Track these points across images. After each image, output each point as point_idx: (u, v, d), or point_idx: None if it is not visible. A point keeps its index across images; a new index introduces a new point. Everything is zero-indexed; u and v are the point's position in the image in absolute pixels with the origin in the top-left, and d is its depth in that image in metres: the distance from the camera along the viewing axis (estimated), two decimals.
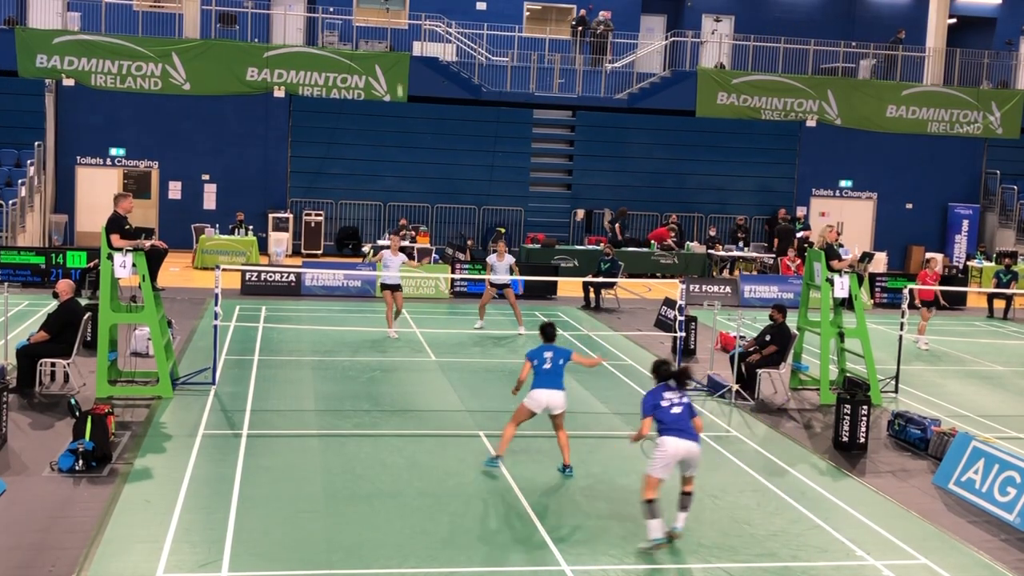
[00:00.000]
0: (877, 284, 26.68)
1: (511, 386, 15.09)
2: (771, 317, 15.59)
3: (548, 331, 11.65)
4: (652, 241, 30.16)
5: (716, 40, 35.92)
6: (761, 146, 33.80)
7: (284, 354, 17.41)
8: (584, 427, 13.55)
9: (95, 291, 18.80)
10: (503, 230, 31.67)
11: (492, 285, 20.39)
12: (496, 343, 19.16)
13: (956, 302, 26.42)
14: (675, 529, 9.52)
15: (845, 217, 34.02)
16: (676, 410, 9.57)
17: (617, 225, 31.44)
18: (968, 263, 31.19)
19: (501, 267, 20.17)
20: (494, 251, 20.58)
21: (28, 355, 14.00)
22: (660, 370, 9.92)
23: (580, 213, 32.82)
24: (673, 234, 30.39)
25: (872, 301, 26.05)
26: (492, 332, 19.96)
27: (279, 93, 31.24)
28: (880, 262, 30.83)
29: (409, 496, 10.56)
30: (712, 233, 31.82)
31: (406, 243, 28.73)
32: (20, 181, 27.91)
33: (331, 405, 14.16)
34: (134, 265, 13.74)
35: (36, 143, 29.19)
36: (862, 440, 12.87)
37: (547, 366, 11.27)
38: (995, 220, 35.03)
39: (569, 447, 11.50)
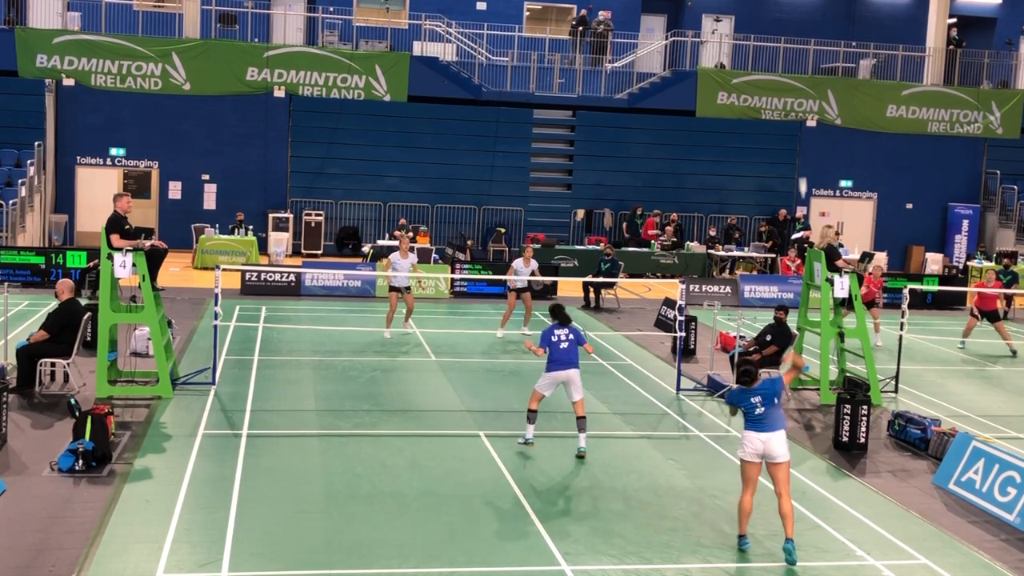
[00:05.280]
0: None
1: (511, 386, 15.09)
2: (775, 317, 15.60)
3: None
4: (652, 242, 30.20)
5: (716, 40, 35.92)
6: (761, 146, 33.80)
7: (284, 354, 17.41)
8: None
9: (95, 291, 18.80)
10: (503, 230, 31.71)
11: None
12: (497, 344, 19.16)
13: (956, 302, 26.44)
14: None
15: (845, 217, 34.02)
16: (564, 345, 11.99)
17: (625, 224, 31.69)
18: (968, 263, 31.19)
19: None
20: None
21: (28, 355, 14.00)
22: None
23: (580, 213, 32.82)
24: (670, 230, 30.48)
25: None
26: (492, 332, 19.94)
27: (279, 93, 31.24)
28: (880, 262, 30.78)
29: (409, 496, 10.56)
30: (712, 233, 31.83)
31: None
32: (20, 181, 27.91)
33: (331, 405, 14.16)
34: (134, 265, 13.74)
35: (36, 143, 29.19)
36: (862, 440, 12.87)
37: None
38: (995, 220, 35.03)
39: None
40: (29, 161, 28.82)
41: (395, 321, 19.33)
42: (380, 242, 28.87)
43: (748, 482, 9.54)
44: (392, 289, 19.11)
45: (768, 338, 15.47)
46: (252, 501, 10.19)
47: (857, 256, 23.32)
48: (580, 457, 11.95)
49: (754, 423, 9.50)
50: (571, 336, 12.08)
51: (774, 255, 30.47)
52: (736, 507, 10.56)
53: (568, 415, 13.97)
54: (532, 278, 19.20)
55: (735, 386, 9.87)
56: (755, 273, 29.44)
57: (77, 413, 11.31)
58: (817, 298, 15.81)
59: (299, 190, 31.69)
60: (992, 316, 21.01)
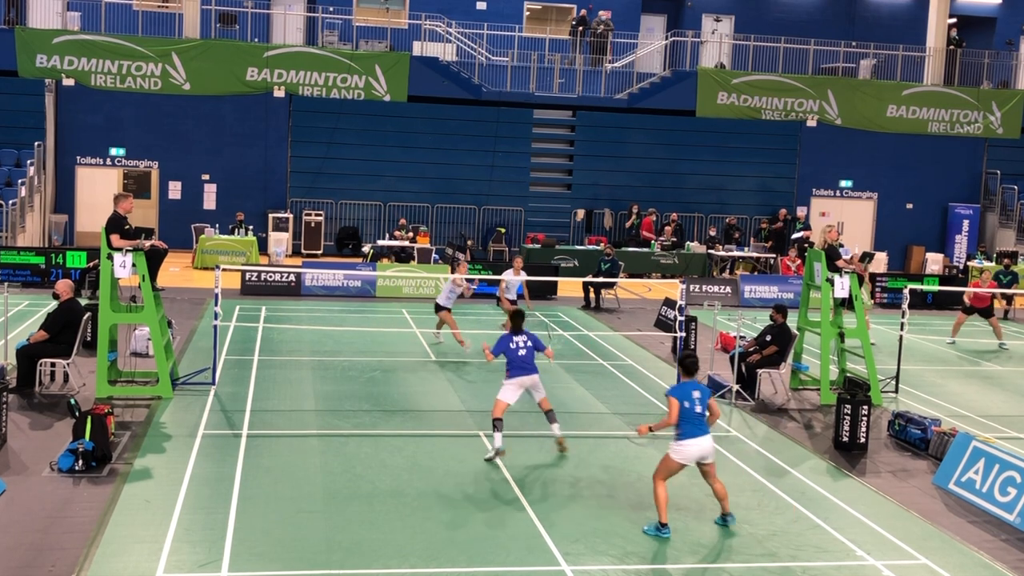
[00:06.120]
0: (877, 284, 26.68)
1: None
2: (771, 318, 15.58)
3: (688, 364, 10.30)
4: (652, 241, 30.20)
5: (716, 40, 35.92)
6: (761, 146, 33.79)
7: (284, 354, 17.41)
8: (585, 427, 13.56)
9: (95, 291, 18.79)
10: (503, 230, 31.71)
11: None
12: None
13: (956, 302, 26.39)
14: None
15: (845, 217, 34.02)
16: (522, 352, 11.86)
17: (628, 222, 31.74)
18: (968, 263, 31.18)
19: (515, 281, 19.82)
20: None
21: (28, 355, 14.00)
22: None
23: (580, 213, 32.82)
24: (669, 230, 30.48)
25: (872, 301, 26.02)
26: (491, 332, 19.93)
27: (279, 93, 31.23)
28: (880, 262, 30.83)
29: (409, 496, 10.56)
30: (712, 233, 31.83)
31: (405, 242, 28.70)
32: (20, 181, 27.90)
33: (331, 405, 14.16)
34: (134, 265, 13.74)
35: (36, 143, 29.19)
36: (862, 440, 12.87)
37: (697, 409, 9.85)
38: (995, 220, 35.02)
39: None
40: (29, 161, 28.81)
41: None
42: (380, 242, 28.88)
43: (669, 474, 9.88)
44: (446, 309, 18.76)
45: (768, 338, 15.46)
46: (252, 501, 10.19)
47: (858, 255, 23.33)
48: (560, 444, 12.11)
49: (692, 424, 9.72)
50: (529, 343, 11.97)
51: (774, 255, 30.47)
52: (735, 507, 10.56)
53: (566, 415, 13.99)
54: (525, 278, 19.29)
55: (679, 380, 10.15)
56: (754, 272, 29.43)
57: (77, 413, 11.31)
58: (817, 298, 15.81)
59: (299, 190, 31.69)
60: (985, 312, 21.10)
